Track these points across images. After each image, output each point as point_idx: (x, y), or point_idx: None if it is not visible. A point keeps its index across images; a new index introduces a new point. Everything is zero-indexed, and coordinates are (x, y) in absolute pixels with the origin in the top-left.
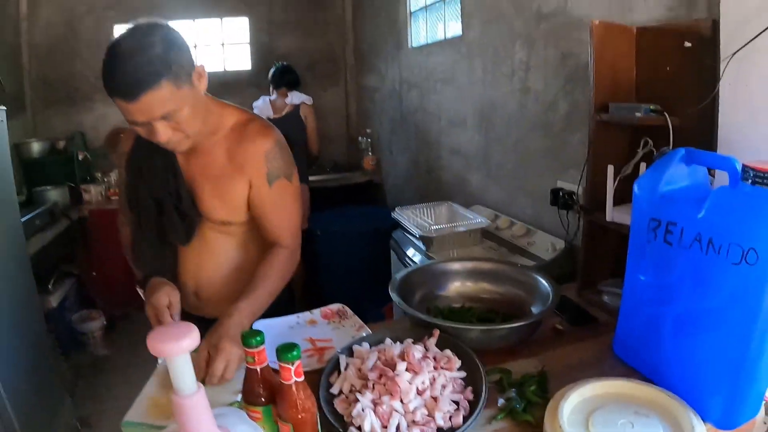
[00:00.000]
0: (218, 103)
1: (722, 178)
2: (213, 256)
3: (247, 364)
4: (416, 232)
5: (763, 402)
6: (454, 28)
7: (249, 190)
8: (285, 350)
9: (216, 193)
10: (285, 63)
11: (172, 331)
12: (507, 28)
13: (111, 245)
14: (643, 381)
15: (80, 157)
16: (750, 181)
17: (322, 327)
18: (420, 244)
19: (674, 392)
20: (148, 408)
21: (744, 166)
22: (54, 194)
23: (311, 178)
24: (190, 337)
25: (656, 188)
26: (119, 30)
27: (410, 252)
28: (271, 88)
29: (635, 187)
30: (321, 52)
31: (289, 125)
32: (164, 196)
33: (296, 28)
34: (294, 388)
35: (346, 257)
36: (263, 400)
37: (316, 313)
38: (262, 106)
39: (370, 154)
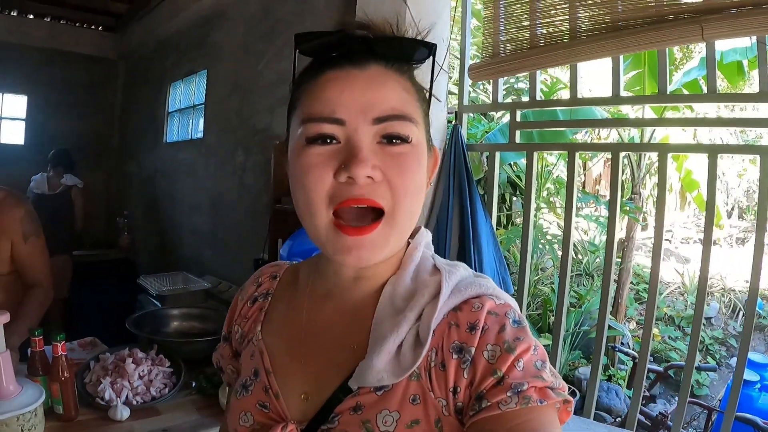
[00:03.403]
0: None
1: None
2: None
3: (31, 349)
4: (154, 292)
5: None
6: (199, 131)
7: (11, 248)
8: (55, 334)
9: None
10: (65, 147)
11: None
12: (233, 137)
13: None
14: None
15: None
16: None
17: (78, 352)
18: (156, 302)
19: None
20: None
21: None
22: None
23: (74, 252)
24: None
25: (292, 250)
26: None
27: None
28: (48, 167)
29: (281, 251)
30: (90, 135)
31: (60, 203)
32: None
33: (70, 110)
34: (61, 359)
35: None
36: (41, 372)
37: (75, 343)
38: (40, 180)
39: (126, 233)
